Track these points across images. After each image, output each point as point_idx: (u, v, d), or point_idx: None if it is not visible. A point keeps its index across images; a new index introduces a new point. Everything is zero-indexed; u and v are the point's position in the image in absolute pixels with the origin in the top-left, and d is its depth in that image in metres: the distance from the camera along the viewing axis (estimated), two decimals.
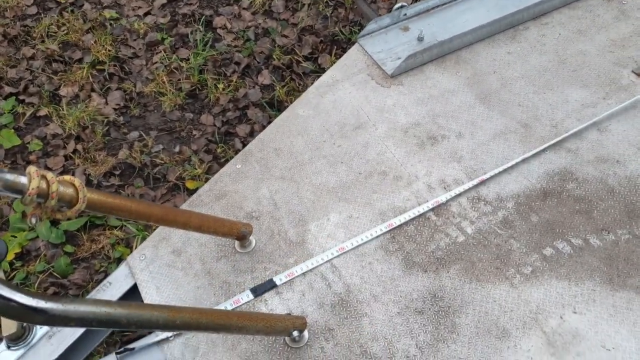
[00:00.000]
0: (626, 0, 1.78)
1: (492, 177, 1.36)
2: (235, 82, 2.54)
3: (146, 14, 2.99)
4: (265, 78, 2.57)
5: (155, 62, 2.69)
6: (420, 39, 1.69)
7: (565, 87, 1.55)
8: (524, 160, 1.39)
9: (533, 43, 1.68)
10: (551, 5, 1.77)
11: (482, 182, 1.35)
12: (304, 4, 3.15)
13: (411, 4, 1.79)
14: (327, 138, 1.49)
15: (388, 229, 1.28)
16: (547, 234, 1.25)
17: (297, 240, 1.27)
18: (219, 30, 2.87)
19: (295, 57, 2.61)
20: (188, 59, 2.66)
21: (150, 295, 1.19)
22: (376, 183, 1.38)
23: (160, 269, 1.24)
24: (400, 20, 1.75)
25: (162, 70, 2.61)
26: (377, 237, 1.27)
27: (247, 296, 1.16)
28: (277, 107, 2.36)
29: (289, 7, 3.13)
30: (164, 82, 2.55)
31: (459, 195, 1.34)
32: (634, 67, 1.58)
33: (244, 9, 3.08)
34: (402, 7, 1.75)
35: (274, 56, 2.66)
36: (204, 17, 2.87)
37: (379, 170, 1.40)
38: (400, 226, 1.28)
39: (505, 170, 1.37)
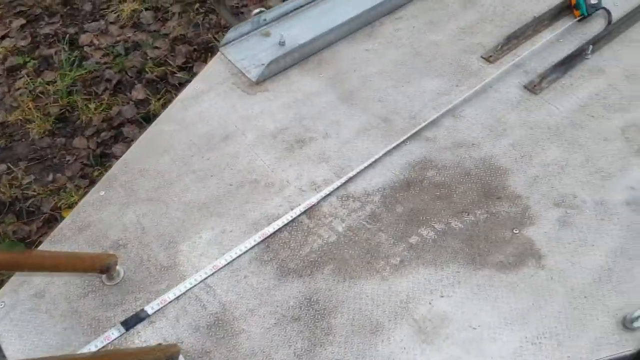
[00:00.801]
0: None
1: (358, 174, 1.40)
2: (108, 100, 2.43)
3: (3, 37, 2.79)
4: (139, 93, 2.49)
5: (19, 88, 2.52)
6: (281, 44, 1.70)
7: (421, 79, 1.62)
8: (386, 154, 1.44)
9: (389, 38, 1.74)
10: (402, 0, 1.83)
11: (350, 179, 1.38)
12: (174, 13, 3.08)
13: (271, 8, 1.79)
14: (195, 152, 1.46)
15: (262, 238, 1.27)
16: (412, 223, 1.30)
17: (168, 264, 1.24)
18: (86, 48, 2.74)
19: (169, 68, 2.55)
20: (54, 82, 2.51)
21: (12, 345, 1.11)
22: (248, 193, 1.37)
23: (22, 315, 1.16)
24: (260, 26, 1.75)
25: (27, 96, 2.46)
26: (251, 248, 1.26)
27: (118, 331, 1.12)
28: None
29: (159, 18, 3.04)
30: (29, 109, 2.40)
31: (329, 195, 1.36)
32: (482, 53, 1.67)
33: (111, 23, 2.96)
34: (260, 12, 1.75)
35: (147, 69, 2.58)
36: (68, 36, 2.72)
37: (250, 179, 1.40)
38: (274, 234, 1.29)
39: (370, 165, 1.41)
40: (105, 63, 2.71)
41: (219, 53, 1.70)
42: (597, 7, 1.73)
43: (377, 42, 1.74)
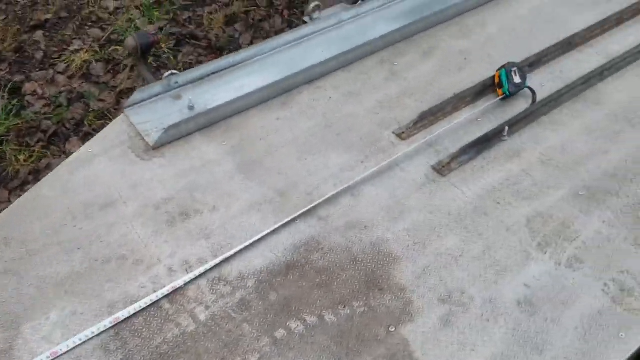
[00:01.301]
0: (397, 61, 1.83)
1: (238, 254, 1.29)
2: (39, 152, 2.36)
3: None
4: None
5: None
6: (190, 108, 1.63)
7: (328, 152, 1.54)
8: (273, 232, 1.34)
9: (304, 108, 1.67)
10: (326, 68, 1.78)
11: (227, 260, 1.28)
12: (126, 66, 3.06)
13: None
14: (69, 221, 1.36)
15: (113, 324, 1.16)
16: (282, 313, 1.19)
17: (3, 348, 1.12)
18: (28, 97, 2.69)
19: (109, 122, 2.48)
20: None
21: None
22: (113, 270, 1.26)
23: None
24: (172, 89, 1.69)
25: None
26: (99, 334, 1.15)
27: None
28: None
29: (110, 70, 3.02)
30: None
31: (200, 277, 1.25)
32: (395, 128, 1.59)
33: (59, 73, 2.93)
34: (172, 74, 1.69)
35: (86, 122, 2.51)
36: (10, 84, 2.67)
37: (119, 254, 1.29)
38: (127, 319, 1.17)
39: (252, 245, 1.31)
40: (44, 113, 2.66)
41: (122, 114, 1.63)
42: (521, 87, 1.66)
43: (291, 111, 1.67)
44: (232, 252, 1.29)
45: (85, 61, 2.93)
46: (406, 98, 1.71)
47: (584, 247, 1.31)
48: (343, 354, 1.12)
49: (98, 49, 3.33)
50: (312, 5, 1.93)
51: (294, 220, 1.37)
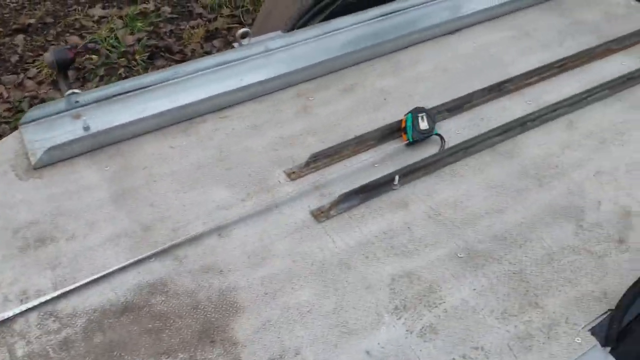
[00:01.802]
0: (315, 96, 1.76)
1: (78, 289, 1.24)
2: None
3: None
4: None
5: None
6: (86, 129, 1.60)
7: (211, 187, 1.48)
8: (122, 270, 1.28)
9: (202, 137, 1.62)
10: (235, 98, 1.73)
11: (65, 295, 1.23)
12: (97, 75, 3.08)
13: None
14: None
15: None
16: (102, 358, 1.12)
17: None
18: None
19: None
20: None
21: None
22: None
23: None
24: (72, 108, 1.65)
25: None
26: None
27: None
28: None
29: (79, 78, 3.03)
30: None
31: (32, 309, 1.20)
32: (288, 167, 1.53)
33: (29, 78, 2.95)
34: (73, 93, 1.66)
35: None
36: None
37: None
38: None
39: (96, 281, 1.25)
40: (4, 117, 2.67)
41: (17, 130, 1.61)
42: (427, 133, 1.58)
43: (187, 140, 1.62)
44: (71, 287, 1.24)
45: None
46: (310, 136, 1.63)
47: (444, 316, 1.21)
48: None
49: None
50: (241, 31, 1.88)
51: (148, 258, 1.31)
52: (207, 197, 1.45)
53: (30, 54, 3.39)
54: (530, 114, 1.69)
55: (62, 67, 1.83)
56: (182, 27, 3.72)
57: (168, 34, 3.63)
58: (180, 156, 1.56)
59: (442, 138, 1.60)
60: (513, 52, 1.95)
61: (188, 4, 4.06)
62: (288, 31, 2.02)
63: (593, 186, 1.50)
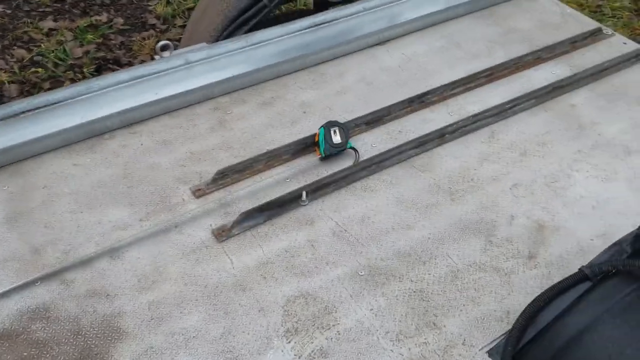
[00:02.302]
0: (232, 110, 1.71)
1: None
2: None
3: None
4: None
5: None
6: None
7: (109, 206, 1.42)
8: (4, 294, 1.21)
9: (108, 154, 1.56)
10: (148, 112, 1.68)
11: None
12: (42, 88, 3.02)
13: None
14: None
15: None
16: None
17: None
18: None
19: None
20: None
21: None
22: None
23: None
24: None
25: None
26: None
27: None
28: None
29: (24, 92, 2.98)
30: None
31: None
32: (194, 184, 1.47)
33: None
34: None
35: None
36: None
37: None
38: None
39: None
40: None
41: None
42: (340, 147, 1.53)
43: (92, 157, 1.56)
44: None
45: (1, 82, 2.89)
46: (223, 151, 1.58)
47: (336, 339, 1.16)
48: None
49: (17, 70, 3.29)
50: (161, 43, 1.84)
51: (33, 282, 1.25)
52: (104, 217, 1.40)
53: None
54: (450, 125, 1.65)
55: None
56: (133, 38, 3.67)
57: (118, 46, 3.57)
58: (83, 174, 1.50)
59: (356, 152, 1.56)
60: (440, 62, 1.92)
61: (142, 15, 4.01)
62: (212, 43, 1.97)
63: (508, 200, 1.46)
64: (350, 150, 1.56)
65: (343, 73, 1.88)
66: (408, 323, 1.19)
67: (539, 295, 1.10)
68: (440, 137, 1.63)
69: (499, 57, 1.97)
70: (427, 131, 1.64)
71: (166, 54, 1.84)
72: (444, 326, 1.19)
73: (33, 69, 3.31)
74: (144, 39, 3.66)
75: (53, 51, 3.45)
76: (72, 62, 3.48)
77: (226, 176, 1.48)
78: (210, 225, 1.38)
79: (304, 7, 3.04)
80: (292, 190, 1.44)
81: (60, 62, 3.45)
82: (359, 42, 1.99)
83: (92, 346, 1.14)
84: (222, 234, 1.35)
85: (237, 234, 1.36)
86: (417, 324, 1.19)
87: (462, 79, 1.83)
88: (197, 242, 1.34)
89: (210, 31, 2.01)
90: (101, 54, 3.47)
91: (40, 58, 3.43)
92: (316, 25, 1.98)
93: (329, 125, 1.55)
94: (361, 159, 1.55)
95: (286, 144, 1.57)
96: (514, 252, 1.34)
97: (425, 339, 1.16)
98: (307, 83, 1.83)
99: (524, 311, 1.12)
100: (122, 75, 1.75)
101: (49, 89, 3.16)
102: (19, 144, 1.54)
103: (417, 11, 2.08)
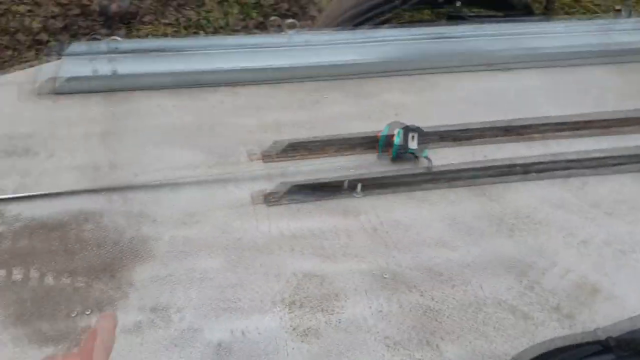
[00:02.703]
0: (329, 94, 1.78)
1: (31, 198, 1.37)
2: None
3: None
4: None
5: None
6: (113, 72, 1.76)
7: (187, 147, 1.57)
8: (73, 193, 1.39)
9: (205, 104, 1.72)
10: (254, 77, 1.80)
11: (18, 200, 1.36)
12: None
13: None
14: None
15: None
16: (14, 261, 1.23)
17: None
18: None
19: None
20: None
21: None
22: None
23: None
24: (110, 52, 1.82)
25: None
26: None
27: None
28: None
29: None
30: None
31: None
32: (264, 149, 1.56)
33: None
34: (114, 40, 1.83)
35: None
36: None
37: None
38: None
39: (48, 196, 1.38)
40: None
41: (63, 58, 1.80)
42: (414, 153, 1.52)
43: (190, 103, 1.71)
44: (24, 194, 1.38)
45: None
46: (304, 128, 1.67)
47: (334, 326, 1.17)
48: None
49: (181, 29, 3.63)
50: (289, 21, 1.96)
51: (99, 191, 1.41)
52: (178, 155, 1.53)
53: (150, 17, 3.73)
54: (540, 163, 1.55)
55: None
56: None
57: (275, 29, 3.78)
58: (177, 115, 1.65)
59: (429, 162, 1.53)
60: (554, 100, 1.81)
61: (306, 6, 4.21)
62: (337, 28, 2.04)
63: (570, 253, 1.35)
64: (424, 159, 1.53)
65: (450, 87, 1.85)
66: (411, 336, 1.15)
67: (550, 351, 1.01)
68: (525, 172, 1.54)
69: (621, 110, 1.80)
70: (514, 162, 1.56)
71: (292, 31, 1.95)
72: (445, 351, 1.13)
73: (194, 30, 3.63)
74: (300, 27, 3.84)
75: (217, 19, 3.75)
76: (228, 33, 3.76)
77: (296, 150, 1.54)
78: (265, 189, 1.44)
79: (432, 18, 2.98)
80: (351, 179, 1.45)
81: (219, 30, 3.75)
82: (476, 61, 1.94)
83: (124, 257, 1.26)
84: (271, 199, 1.41)
85: (285, 204, 1.40)
86: (419, 340, 1.15)
87: (573, 122, 1.71)
88: (247, 199, 1.41)
89: (338, 17, 2.08)
90: (256, 31, 3.71)
91: (204, 22, 3.75)
92: (440, 36, 1.97)
93: (408, 129, 1.53)
94: (433, 170, 1.51)
95: (362, 136, 1.58)
96: (552, 305, 1.23)
97: (420, 356, 1.12)
98: (410, 87, 1.83)
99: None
100: (248, 39, 1.88)
101: None
102: (138, 74, 1.72)
103: (546, 45, 1.97)
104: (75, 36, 3.30)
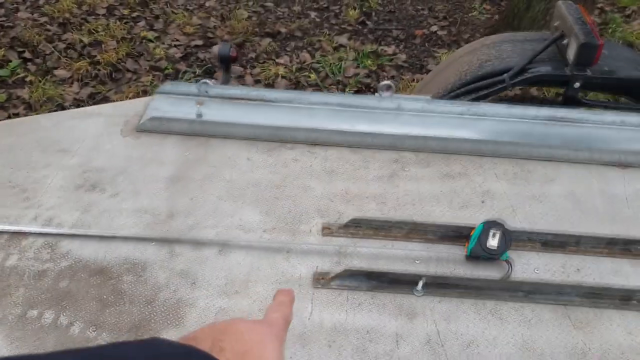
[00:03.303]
0: (409, 168, 1.64)
1: (83, 237, 1.37)
2: None
3: None
4: None
5: None
6: (198, 115, 1.76)
7: (250, 206, 1.49)
8: (124, 239, 1.37)
9: (278, 162, 1.65)
10: (334, 139, 1.71)
11: (71, 236, 1.37)
12: None
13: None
14: (27, 146, 1.62)
15: None
16: (50, 302, 1.22)
17: None
18: None
19: None
20: None
21: None
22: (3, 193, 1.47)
23: None
24: (200, 95, 1.83)
25: None
26: None
27: None
28: None
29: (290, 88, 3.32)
30: None
31: (43, 235, 1.37)
32: (326, 221, 1.45)
33: (250, 74, 3.33)
34: (204, 83, 1.83)
35: None
36: None
37: (17, 185, 1.49)
38: None
39: (100, 237, 1.37)
40: None
41: (155, 94, 1.84)
42: (492, 254, 1.34)
43: (264, 158, 1.65)
44: (79, 232, 1.37)
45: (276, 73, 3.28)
46: (374, 202, 1.53)
47: None
48: None
49: (294, 69, 3.67)
50: (384, 82, 1.87)
51: (150, 240, 1.37)
52: (238, 214, 1.45)
53: (265, 56, 3.82)
54: None
55: (223, 60, 2.02)
56: (404, 77, 3.78)
57: (386, 79, 3.71)
58: (248, 169, 1.59)
59: (510, 266, 1.32)
60: None
61: (425, 59, 4.11)
62: (436, 98, 1.90)
63: None
64: (504, 262, 1.33)
65: (553, 179, 1.62)
66: None
67: None
68: (625, 299, 1.28)
69: None
70: (613, 285, 1.31)
71: (386, 94, 1.84)
72: None
73: (306, 73, 3.65)
74: (413, 80, 3.74)
75: (331, 64, 3.75)
76: (340, 79, 3.74)
77: (359, 227, 1.40)
78: (317, 267, 1.32)
79: (543, 96, 2.72)
80: (412, 273, 1.29)
81: (330, 76, 3.74)
82: (593, 154, 1.69)
83: (152, 320, 1.20)
84: (319, 281, 1.28)
85: (333, 288, 1.27)
86: None
87: None
88: (295, 275, 1.30)
89: (439, 87, 1.94)
90: (367, 80, 3.65)
91: (317, 66, 3.76)
92: (555, 119, 1.75)
93: (491, 225, 1.34)
94: (512, 278, 1.31)
95: (437, 224, 1.42)
96: None
97: None
98: (504, 173, 1.63)
99: None
100: (334, 98, 1.79)
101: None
102: (219, 122, 1.69)
103: None
104: (191, 67, 3.43)
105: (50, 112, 3.17)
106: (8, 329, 1.15)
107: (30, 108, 3.20)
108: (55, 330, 1.15)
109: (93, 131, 1.68)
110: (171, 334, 1.16)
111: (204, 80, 1.82)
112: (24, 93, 3.11)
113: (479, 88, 1.87)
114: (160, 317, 1.20)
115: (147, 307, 1.21)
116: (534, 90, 2.84)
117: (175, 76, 3.31)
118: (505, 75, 1.85)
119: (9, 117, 3.20)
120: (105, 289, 1.25)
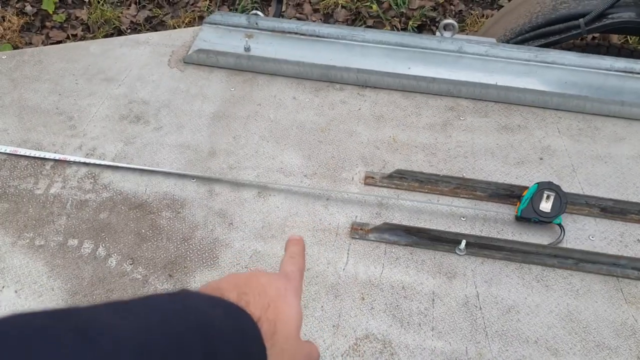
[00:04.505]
0: (465, 117, 1.54)
1: (126, 170, 1.37)
2: None
3: None
4: None
5: None
6: (246, 49, 1.70)
7: (292, 149, 1.45)
8: (165, 174, 1.37)
9: (325, 103, 1.58)
10: (386, 82, 1.62)
11: (114, 168, 1.37)
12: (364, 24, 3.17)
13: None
14: (72, 72, 1.61)
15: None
16: (89, 232, 1.24)
17: None
18: None
19: None
20: None
21: None
22: (50, 120, 1.48)
23: None
24: (249, 27, 1.76)
25: None
26: None
27: None
28: None
29: (348, 19, 3.17)
30: None
31: (87, 165, 1.38)
32: (369, 169, 1.40)
33: None
34: (255, 15, 1.76)
35: None
36: None
37: (66, 112, 1.50)
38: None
39: (141, 171, 1.37)
40: None
41: (202, 24, 1.79)
42: (544, 217, 1.26)
43: (311, 99, 1.59)
44: (121, 165, 1.37)
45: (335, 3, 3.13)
46: (423, 153, 1.45)
47: None
48: None
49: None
50: (445, 22, 1.74)
51: (191, 177, 1.36)
52: (280, 156, 1.42)
53: None
54: None
55: None
56: (473, 11, 3.54)
57: (455, 13, 3.49)
58: (295, 110, 1.54)
59: (562, 231, 1.24)
60: None
61: None
62: (502, 42, 1.76)
63: None
64: (556, 226, 1.25)
65: (622, 138, 1.49)
66: None
67: None
68: None
69: None
70: None
71: (447, 34, 1.71)
72: None
73: (368, 3, 3.47)
74: (483, 16, 3.50)
75: None
76: (404, 11, 3.54)
77: (404, 179, 1.34)
78: (356, 217, 1.28)
79: (621, 45, 2.46)
80: (456, 232, 1.22)
81: (394, 7, 3.54)
82: None
83: (187, 258, 1.20)
84: (357, 231, 1.24)
85: (371, 240, 1.23)
86: None
87: None
88: (332, 224, 1.27)
89: (507, 29, 1.78)
90: (433, 14, 3.45)
91: None
92: (633, 72, 1.59)
93: (545, 187, 1.25)
94: (564, 244, 1.23)
95: (488, 181, 1.33)
96: None
97: None
98: (568, 129, 1.51)
99: None
100: (391, 36, 1.69)
101: (368, 26, 3.30)
102: (268, 58, 1.62)
103: None
104: None
105: (106, 35, 3.18)
106: (50, 256, 1.18)
107: (89, 30, 3.21)
108: (93, 261, 1.17)
109: (140, 61, 1.65)
110: (205, 274, 1.16)
111: (255, 12, 1.74)
112: (82, 14, 3.12)
113: (550, 33, 1.70)
114: (196, 255, 1.20)
115: (184, 245, 1.21)
116: (614, 39, 2.59)
117: (233, 1, 3.22)
118: (581, 20, 1.67)
119: (68, 37, 3.23)
120: (143, 223, 1.25)
